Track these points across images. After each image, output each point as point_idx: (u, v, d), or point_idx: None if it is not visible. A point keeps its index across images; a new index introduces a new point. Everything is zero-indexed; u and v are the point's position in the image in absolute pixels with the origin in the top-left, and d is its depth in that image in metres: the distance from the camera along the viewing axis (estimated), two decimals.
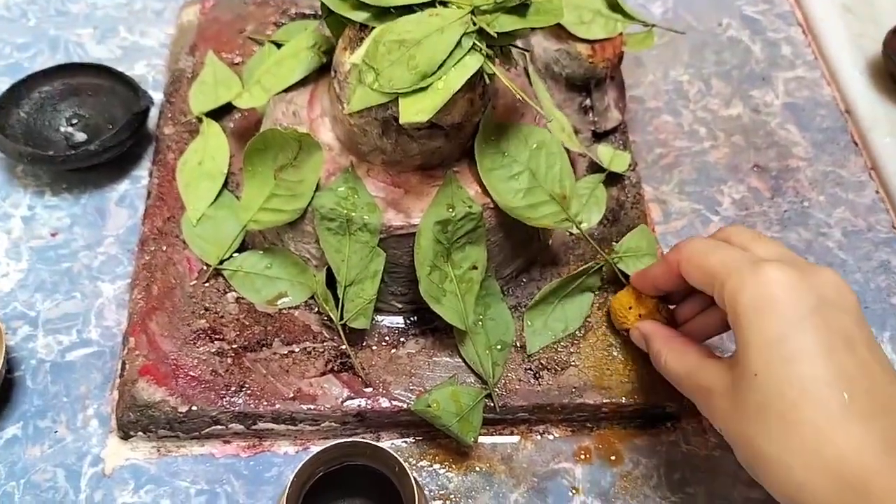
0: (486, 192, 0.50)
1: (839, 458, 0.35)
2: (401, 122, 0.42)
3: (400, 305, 0.52)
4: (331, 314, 0.50)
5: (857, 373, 0.37)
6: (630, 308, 0.50)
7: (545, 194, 0.50)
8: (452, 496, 0.49)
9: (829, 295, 0.39)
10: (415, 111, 0.42)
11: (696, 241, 0.45)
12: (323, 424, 0.50)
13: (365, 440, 0.42)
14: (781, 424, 0.37)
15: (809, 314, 0.38)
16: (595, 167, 0.60)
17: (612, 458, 0.52)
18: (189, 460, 0.49)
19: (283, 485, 0.48)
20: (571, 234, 0.57)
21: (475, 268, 0.50)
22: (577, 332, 0.53)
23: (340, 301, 0.49)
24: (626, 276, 0.53)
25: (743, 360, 0.39)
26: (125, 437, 0.49)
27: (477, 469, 0.51)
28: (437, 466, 0.50)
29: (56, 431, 0.50)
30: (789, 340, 0.38)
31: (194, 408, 0.48)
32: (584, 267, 0.53)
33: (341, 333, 0.50)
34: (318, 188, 0.49)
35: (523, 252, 0.54)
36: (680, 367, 0.45)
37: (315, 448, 0.49)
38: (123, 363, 0.49)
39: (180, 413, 0.48)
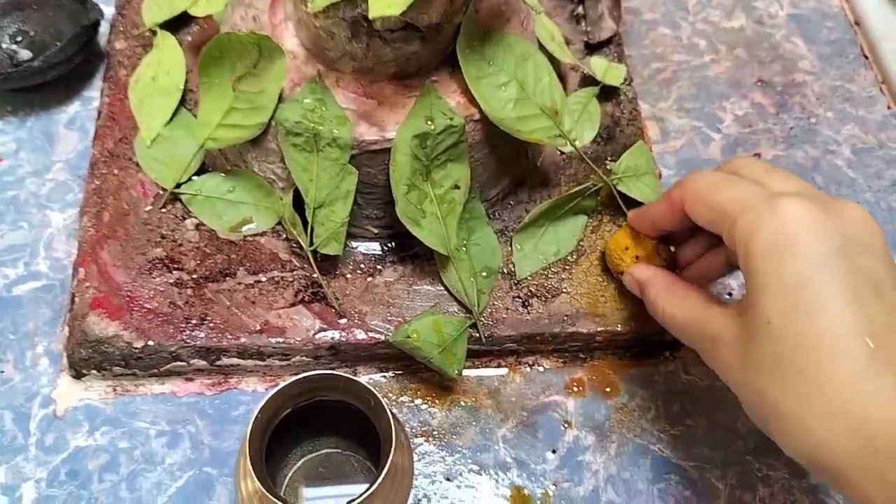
0: (469, 102, 0.45)
1: (866, 418, 0.32)
2: (370, 17, 0.37)
3: (375, 230, 0.48)
4: (299, 240, 0.45)
5: (887, 321, 0.33)
6: (626, 249, 0.46)
7: (535, 107, 0.46)
8: (436, 433, 0.46)
9: (855, 234, 0.35)
10: (386, 4, 0.37)
11: (703, 174, 0.41)
12: (294, 359, 0.46)
13: (337, 373, 0.38)
14: (800, 380, 0.33)
15: (833, 256, 0.34)
16: (587, 81, 0.55)
17: (607, 389, 0.48)
18: (148, 399, 0.46)
19: (249, 421, 0.44)
20: (563, 152, 0.53)
21: (457, 187, 0.45)
22: (570, 257, 0.49)
23: (309, 225, 0.45)
24: (624, 198, 0.49)
25: (756, 306, 0.35)
26: (78, 375, 0.45)
27: (462, 404, 0.47)
28: (418, 402, 0.47)
29: (3, 371, 0.46)
30: (810, 287, 0.33)
31: (151, 343, 0.44)
32: (580, 188, 0.49)
33: (311, 260, 0.45)
34: (281, 100, 0.44)
35: (510, 171, 0.50)
36: (681, 315, 0.40)
37: (285, 383, 0.45)
38: (73, 296, 0.45)
39: (136, 349, 0.44)
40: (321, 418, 0.43)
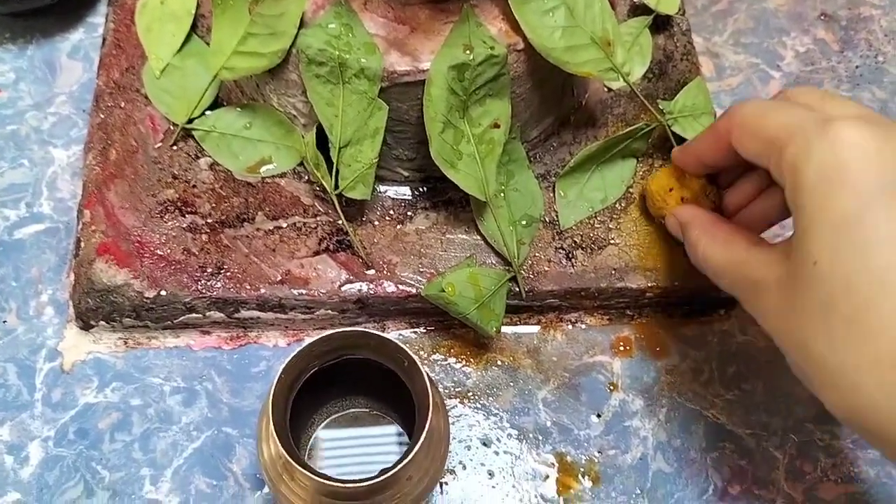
0: (512, 30, 0.40)
1: None
2: None
3: (406, 173, 0.44)
4: (323, 182, 0.41)
5: None
6: (671, 191, 0.41)
7: (586, 36, 0.41)
8: (471, 394, 0.43)
9: None
10: None
11: (752, 101, 0.36)
12: (318, 312, 0.42)
13: (367, 329, 0.35)
14: (849, 328, 0.29)
15: (893, 187, 0.29)
16: (638, 10, 0.50)
17: (657, 350, 0.44)
18: (162, 354, 0.42)
19: (272, 381, 0.41)
20: (610, 89, 0.48)
21: (497, 126, 0.41)
22: (618, 205, 0.45)
23: (334, 166, 0.41)
24: (679, 140, 0.45)
25: (803, 245, 0.31)
26: (86, 327, 0.42)
27: (499, 363, 0.43)
28: (452, 360, 0.43)
29: (4, 321, 0.43)
30: (865, 221, 0.29)
31: (164, 293, 0.40)
32: (631, 128, 0.44)
33: (336, 205, 0.41)
34: (302, 25, 0.39)
35: (554, 109, 0.45)
36: (721, 257, 0.36)
37: (309, 339, 0.42)
38: (78, 241, 0.41)
39: (147, 299, 0.40)
40: (349, 376, 0.39)
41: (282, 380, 0.33)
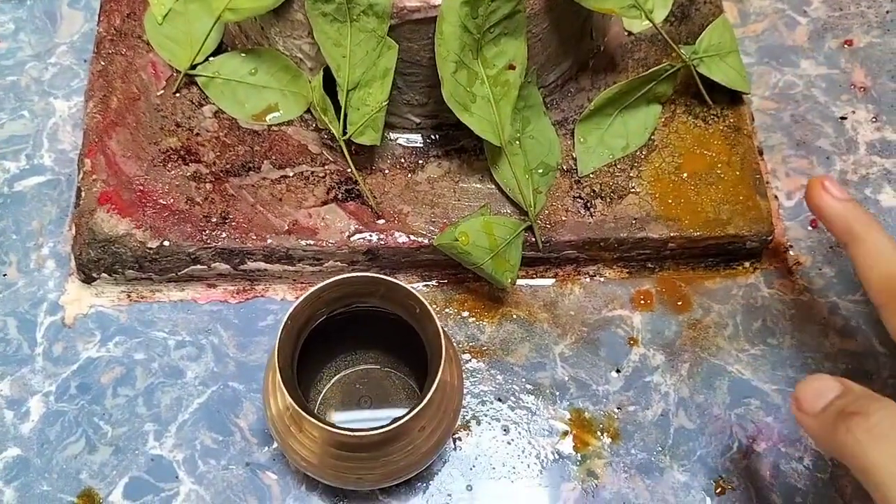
0: None
1: None
2: None
3: (417, 119, 0.42)
4: (331, 128, 0.40)
5: None
6: None
7: None
8: (485, 348, 0.41)
9: None
10: None
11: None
12: (326, 264, 0.41)
13: (377, 275, 0.33)
14: None
15: None
16: None
17: (678, 303, 0.43)
18: (166, 307, 0.41)
19: (278, 329, 0.40)
20: (630, 33, 0.46)
21: (512, 67, 0.39)
22: (639, 153, 0.43)
23: (343, 110, 0.39)
24: (706, 82, 0.43)
25: None
26: (87, 280, 0.41)
27: (514, 317, 0.42)
28: (465, 314, 0.42)
29: (5, 274, 0.41)
30: None
31: (167, 243, 0.39)
32: (656, 69, 0.42)
33: (345, 152, 0.40)
34: None
35: (572, 52, 0.43)
36: None
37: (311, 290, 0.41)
38: (79, 190, 0.40)
39: (150, 249, 0.39)
40: (358, 330, 0.38)
41: (287, 326, 0.32)
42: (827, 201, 0.36)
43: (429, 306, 0.32)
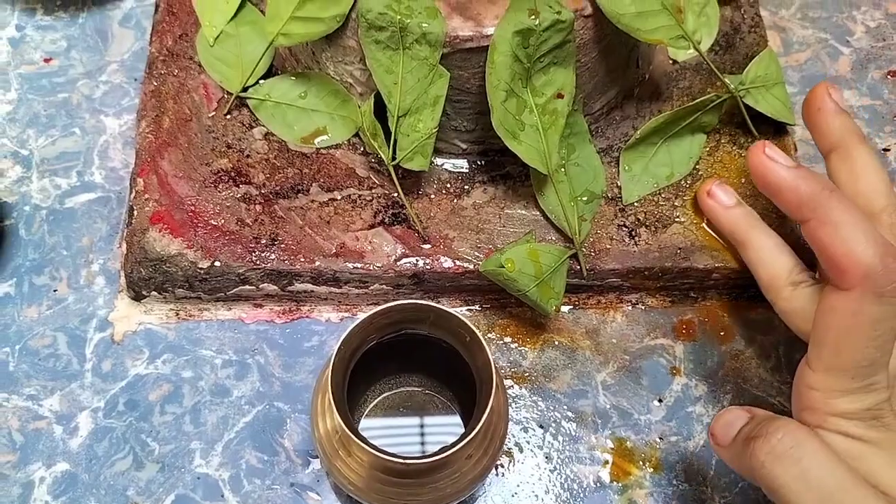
0: None
1: None
2: None
3: (464, 145, 0.42)
4: (380, 153, 0.40)
5: None
6: None
7: (657, 2, 0.39)
8: (527, 374, 0.41)
9: None
10: None
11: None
12: (372, 287, 0.41)
13: (430, 303, 0.33)
14: None
15: None
16: None
17: (721, 334, 0.43)
18: (214, 326, 0.42)
19: (326, 356, 0.40)
20: (675, 62, 0.46)
21: (561, 96, 0.39)
22: (684, 182, 0.43)
23: (392, 136, 0.40)
24: (752, 113, 0.43)
25: None
26: (137, 297, 0.41)
27: (556, 344, 0.42)
28: (507, 340, 0.42)
29: (55, 290, 0.42)
30: None
31: (217, 263, 0.40)
32: (701, 99, 0.42)
33: (394, 177, 0.40)
34: None
35: (619, 81, 0.43)
36: None
37: (362, 315, 0.41)
38: (131, 209, 0.41)
39: (201, 269, 0.39)
40: (403, 353, 0.38)
41: (341, 351, 0.32)
42: (716, 212, 0.40)
43: (480, 336, 0.33)
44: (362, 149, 0.43)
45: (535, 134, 0.39)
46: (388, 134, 0.40)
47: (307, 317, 0.42)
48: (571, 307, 0.43)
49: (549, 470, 0.39)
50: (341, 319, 0.42)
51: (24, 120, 0.46)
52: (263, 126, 0.43)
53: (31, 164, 0.45)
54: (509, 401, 0.40)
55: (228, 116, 0.43)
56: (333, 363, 0.32)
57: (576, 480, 0.39)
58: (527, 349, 0.42)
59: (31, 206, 0.44)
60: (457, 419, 0.39)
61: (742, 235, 0.39)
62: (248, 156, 0.42)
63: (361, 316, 0.33)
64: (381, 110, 0.40)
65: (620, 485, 0.39)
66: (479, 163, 0.43)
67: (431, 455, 0.31)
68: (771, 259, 0.38)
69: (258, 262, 0.40)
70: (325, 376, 0.33)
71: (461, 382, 0.38)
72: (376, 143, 0.40)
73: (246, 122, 0.43)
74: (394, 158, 0.40)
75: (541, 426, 0.40)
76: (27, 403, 0.39)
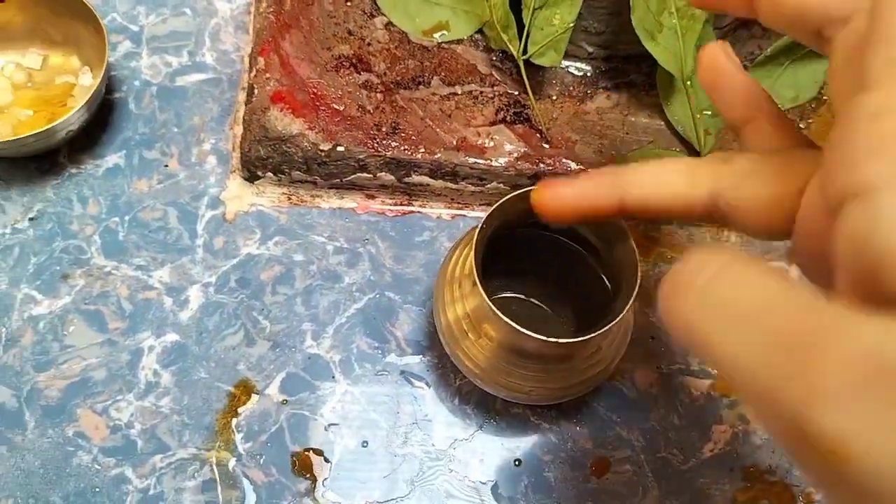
0: None
1: None
2: None
3: (591, 49, 0.41)
4: (509, 46, 0.39)
5: None
6: None
7: None
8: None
9: None
10: None
11: None
12: (489, 185, 0.41)
13: None
14: None
15: None
16: None
17: None
18: (325, 213, 0.41)
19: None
20: None
21: None
22: (809, 105, 0.42)
23: (526, 28, 0.39)
24: None
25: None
26: (251, 178, 0.41)
27: (669, 258, 0.41)
28: None
29: (166, 165, 0.41)
30: None
31: (340, 147, 0.39)
32: None
33: (523, 71, 0.39)
34: None
35: None
36: None
37: (473, 213, 0.40)
38: (251, 87, 0.40)
39: (321, 151, 0.39)
40: (516, 256, 0.38)
41: (483, 229, 0.32)
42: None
43: (624, 224, 0.32)
44: (483, 45, 0.42)
45: (673, 37, 0.38)
46: (521, 28, 0.39)
47: (419, 212, 0.41)
48: (686, 224, 0.42)
49: (660, 377, 0.39)
50: (452, 217, 0.41)
51: None
52: (384, 15, 0.42)
53: (141, 41, 0.44)
54: None
55: (349, 3, 0.42)
56: (476, 239, 0.31)
57: (686, 392, 0.38)
58: (640, 262, 0.41)
59: (140, 81, 0.43)
60: (560, 330, 0.39)
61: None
62: (369, 44, 0.41)
63: (471, 216, 0.32)
64: (513, 2, 0.39)
65: (730, 400, 0.39)
66: (602, 68, 0.42)
67: (576, 337, 0.31)
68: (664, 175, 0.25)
69: (379, 150, 0.39)
70: (466, 257, 0.32)
71: (569, 295, 0.38)
72: (506, 36, 0.39)
73: (367, 10, 0.42)
74: (525, 52, 0.39)
75: (652, 338, 0.40)
76: (137, 273, 0.39)
